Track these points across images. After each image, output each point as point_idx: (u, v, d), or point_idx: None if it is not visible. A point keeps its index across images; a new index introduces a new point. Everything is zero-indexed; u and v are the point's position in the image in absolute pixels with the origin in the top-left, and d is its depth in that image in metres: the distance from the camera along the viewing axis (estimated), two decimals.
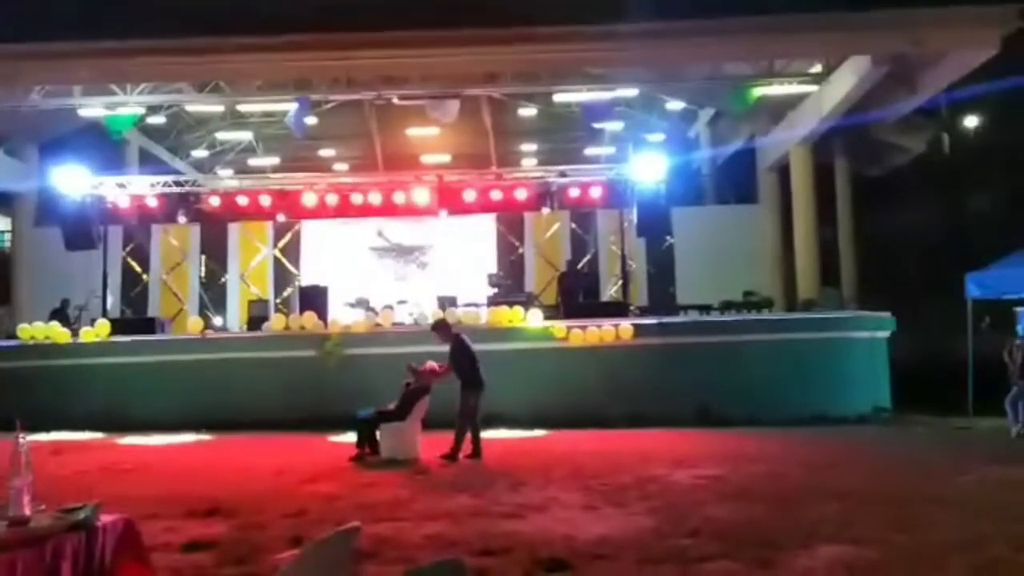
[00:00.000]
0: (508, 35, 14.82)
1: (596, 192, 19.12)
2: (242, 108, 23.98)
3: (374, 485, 8.58)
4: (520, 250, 21.67)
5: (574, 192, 19.25)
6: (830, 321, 14.95)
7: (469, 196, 19.24)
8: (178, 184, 19.86)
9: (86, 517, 3.55)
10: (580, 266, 20.05)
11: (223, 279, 21.93)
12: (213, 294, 21.80)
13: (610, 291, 20.35)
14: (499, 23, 14.27)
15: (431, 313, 15.30)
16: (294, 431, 12.82)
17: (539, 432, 12.62)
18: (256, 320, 16.60)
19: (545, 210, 19.56)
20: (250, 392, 14.01)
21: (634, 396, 13.73)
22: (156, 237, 21.91)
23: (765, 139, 21.64)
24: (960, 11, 14.19)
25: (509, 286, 18.35)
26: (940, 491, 7.81)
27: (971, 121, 23.34)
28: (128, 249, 21.87)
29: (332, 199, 19.36)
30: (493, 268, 20.04)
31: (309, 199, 19.29)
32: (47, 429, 12.68)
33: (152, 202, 19.47)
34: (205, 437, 12.88)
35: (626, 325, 14.59)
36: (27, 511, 3.46)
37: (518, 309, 15.17)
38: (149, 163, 24.83)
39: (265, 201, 19.87)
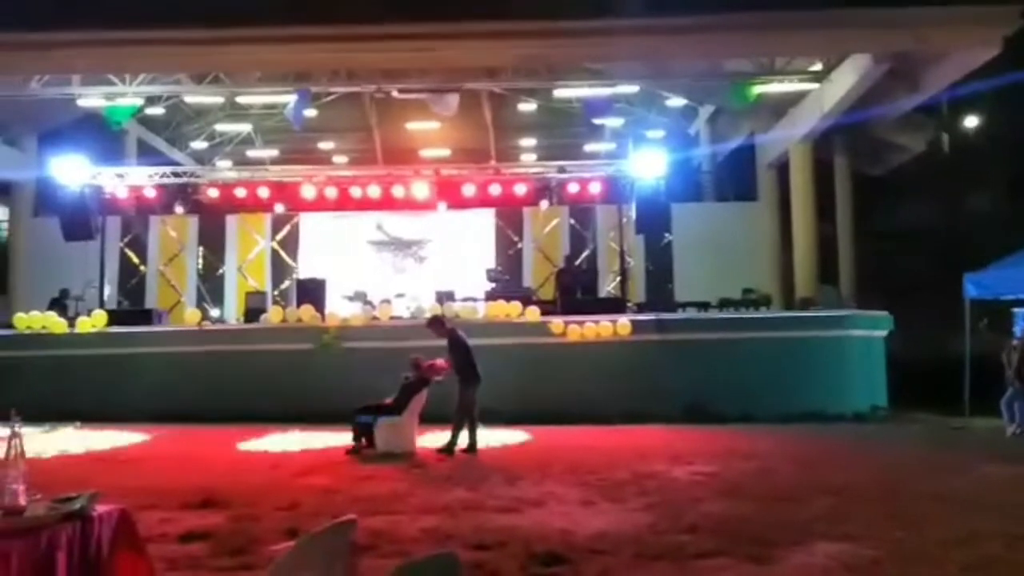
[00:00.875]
0: (508, 29, 14.79)
1: (595, 188, 19.10)
2: (241, 100, 23.91)
3: (370, 478, 8.57)
4: (519, 245, 21.64)
5: (573, 188, 19.24)
6: (828, 319, 14.95)
7: (468, 190, 19.22)
8: (176, 175, 19.82)
9: (82, 507, 3.54)
10: (578, 262, 20.03)
11: (221, 271, 21.89)
12: (210, 286, 21.76)
13: (608, 287, 20.34)
14: (499, 16, 14.24)
15: (429, 307, 15.32)
16: (290, 423, 12.80)
17: (536, 427, 12.62)
18: (253, 312, 16.57)
19: (544, 204, 19.54)
20: (247, 384, 14.01)
21: (631, 392, 13.74)
22: (154, 228, 21.86)
23: (765, 136, 21.61)
24: (962, 10, 14.17)
25: (507, 281, 18.34)
26: (937, 488, 7.82)
27: (971, 121, 23.33)
28: (126, 240, 21.83)
29: (331, 192, 19.33)
30: (491, 263, 20.01)
31: (308, 192, 19.26)
32: (43, 419, 12.66)
33: (150, 193, 19.44)
34: (201, 428, 12.86)
35: (624, 321, 14.59)
36: (22, 501, 3.44)
37: (516, 304, 15.16)
38: (148, 154, 24.76)
39: (263, 193, 19.83)
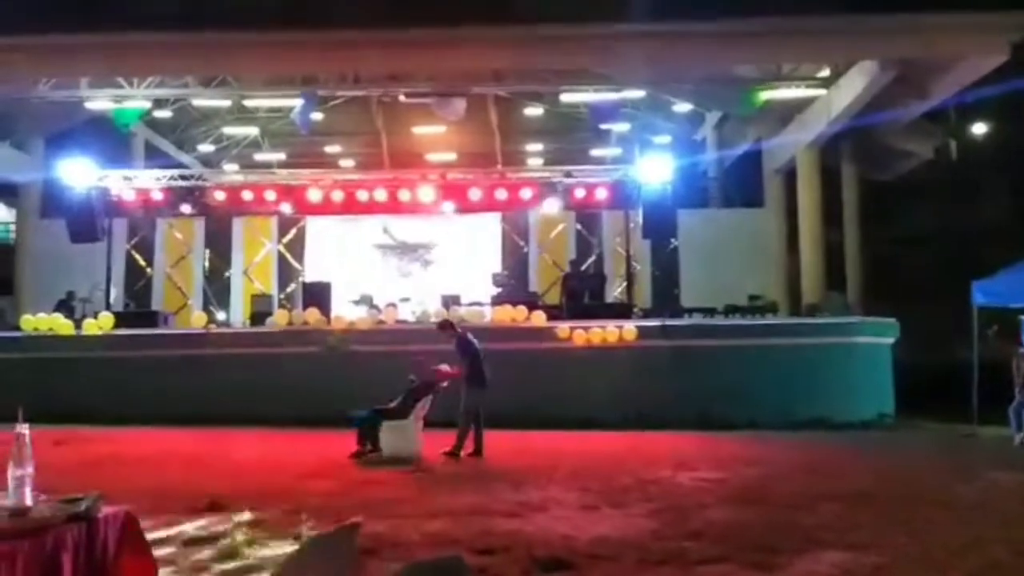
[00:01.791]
0: (515, 34, 14.84)
1: (602, 193, 19.10)
2: (248, 103, 24.02)
3: (374, 482, 8.58)
4: (525, 250, 21.65)
5: (580, 193, 19.24)
6: (834, 326, 14.93)
7: (474, 195, 19.23)
8: (183, 178, 19.89)
9: (87, 508, 3.54)
10: (584, 267, 20.03)
11: (227, 274, 21.94)
12: (217, 288, 21.81)
13: (614, 292, 20.34)
14: (506, 21, 14.28)
15: (434, 311, 15.32)
16: (295, 427, 12.82)
17: (541, 432, 12.60)
18: (259, 315, 16.62)
19: (549, 203, 19.48)
20: (252, 387, 14.01)
21: (636, 398, 13.73)
22: (161, 230, 21.93)
23: (772, 142, 21.62)
24: (969, 17, 14.19)
25: (513, 286, 18.36)
26: (943, 495, 7.79)
27: (979, 127, 23.25)
28: (133, 242, 21.89)
29: (337, 195, 19.37)
30: (497, 267, 20.04)
31: (314, 195, 19.31)
32: (49, 420, 12.67)
33: (157, 195, 19.50)
34: (207, 431, 12.87)
35: (629, 327, 14.58)
36: (28, 501, 3.45)
37: (522, 309, 15.16)
38: (155, 157, 24.85)
39: (270, 196, 19.88)
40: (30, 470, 3.51)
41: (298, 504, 7.21)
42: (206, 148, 28.18)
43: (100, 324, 15.48)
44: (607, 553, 5.78)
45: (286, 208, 20.57)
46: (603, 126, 23.48)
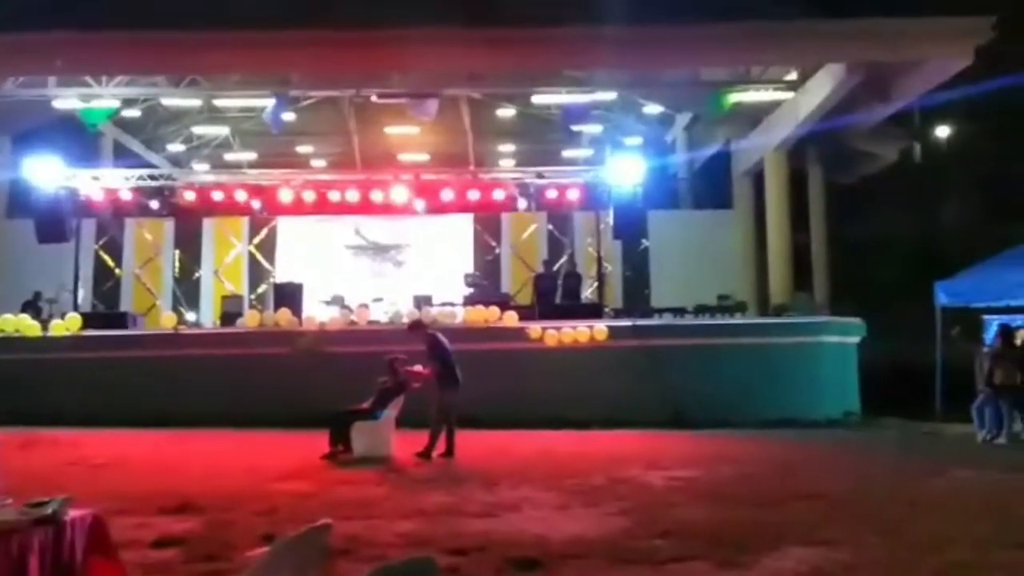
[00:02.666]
0: (491, 36, 14.83)
1: (573, 194, 19.15)
2: (219, 103, 23.75)
3: (346, 483, 8.54)
4: (497, 250, 21.64)
5: (551, 193, 19.27)
6: (802, 326, 15.08)
7: (447, 195, 19.20)
8: (153, 178, 19.66)
9: (54, 512, 3.50)
10: (556, 267, 20.06)
11: (197, 274, 21.70)
12: (186, 289, 21.56)
13: (586, 292, 20.39)
14: (479, 24, 14.28)
15: (406, 312, 15.28)
16: (266, 428, 12.72)
17: (513, 432, 12.60)
18: (229, 316, 16.47)
19: (522, 203, 19.49)
20: (222, 389, 13.88)
21: (608, 397, 13.77)
22: (130, 231, 21.64)
23: (741, 144, 21.77)
24: (935, 22, 14.39)
25: (485, 286, 18.33)
26: (910, 493, 7.90)
27: (943, 130, 23.62)
28: (101, 243, 21.59)
29: (309, 196, 19.25)
30: (470, 268, 20.01)
31: (285, 195, 19.17)
32: (16, 423, 12.47)
33: (126, 195, 19.25)
34: (176, 433, 12.73)
35: (601, 327, 14.63)
36: None
37: (494, 309, 15.16)
38: (124, 156, 24.50)
39: (241, 196, 19.71)
40: None
41: (268, 505, 7.16)
42: (176, 148, 27.85)
43: (67, 325, 15.25)
44: (580, 552, 5.79)
45: (257, 208, 20.40)
46: (575, 128, 23.51)
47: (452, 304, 16.55)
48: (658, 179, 18.48)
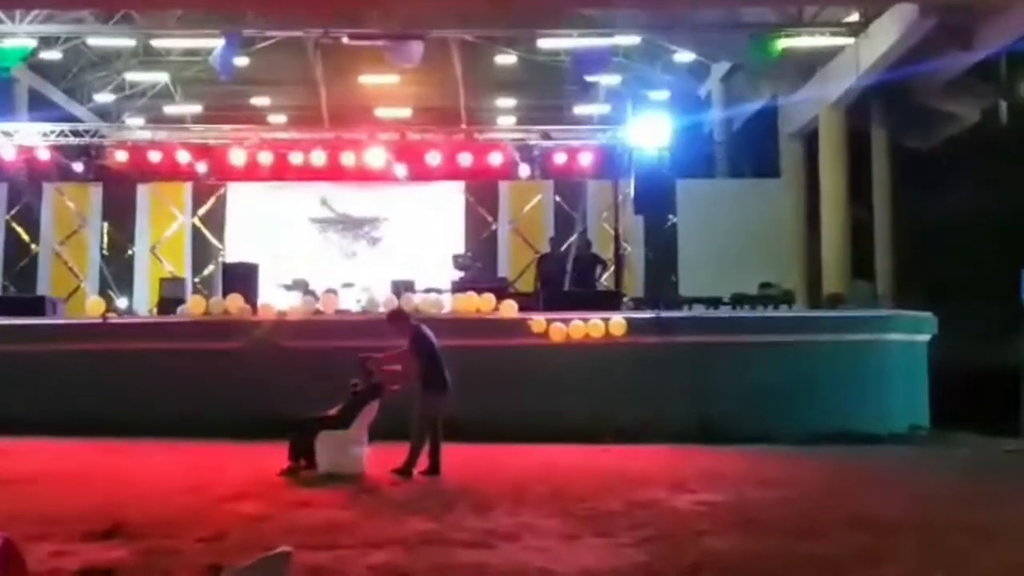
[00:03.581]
0: None
1: (586, 159, 19.17)
2: (157, 43, 23.72)
3: (309, 505, 8.57)
4: (493, 226, 21.67)
5: (560, 158, 19.29)
6: (860, 321, 15.11)
7: (433, 159, 19.22)
8: (76, 134, 19.66)
9: None
10: (565, 247, 20.08)
11: (129, 252, 21.76)
12: (117, 269, 21.60)
13: (600, 278, 20.41)
14: None
15: (383, 299, 15.30)
16: (212, 438, 12.75)
17: (511, 446, 12.65)
18: (169, 303, 16.49)
19: (524, 170, 19.47)
20: (160, 390, 13.92)
21: (625, 404, 13.81)
22: (48, 198, 21.65)
23: (790, 100, 21.75)
24: None
25: (478, 269, 18.36)
26: (983, 521, 7.92)
27: None
28: (13, 212, 21.62)
29: (265, 158, 19.28)
30: (460, 247, 20.04)
31: (237, 157, 19.19)
32: None
33: (44, 155, 19.28)
34: (105, 443, 12.78)
35: (618, 319, 14.65)
36: None
37: (488, 297, 15.18)
38: (41, 107, 24.45)
39: (183, 158, 19.74)
40: None
41: (216, 530, 7.20)
42: (104, 98, 27.80)
43: None
44: None
45: (203, 172, 20.40)
46: (589, 78, 23.51)
47: (438, 291, 16.57)
48: (689, 141, 18.52)
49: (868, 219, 21.01)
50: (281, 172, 19.60)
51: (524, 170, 19.82)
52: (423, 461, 10.41)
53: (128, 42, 23.73)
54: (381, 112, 27.07)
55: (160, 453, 11.83)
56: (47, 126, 19.63)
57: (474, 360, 12.88)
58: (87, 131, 20.34)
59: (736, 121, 24.89)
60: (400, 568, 6.28)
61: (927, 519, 8.13)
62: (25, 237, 21.71)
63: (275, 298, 16.28)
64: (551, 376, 14.12)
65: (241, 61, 21.44)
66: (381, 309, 14.32)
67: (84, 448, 12.23)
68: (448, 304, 15.63)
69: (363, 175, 19.70)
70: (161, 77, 27.38)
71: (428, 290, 16.56)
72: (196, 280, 21.04)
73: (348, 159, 19.07)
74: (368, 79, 25.94)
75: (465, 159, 19.25)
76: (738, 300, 16.37)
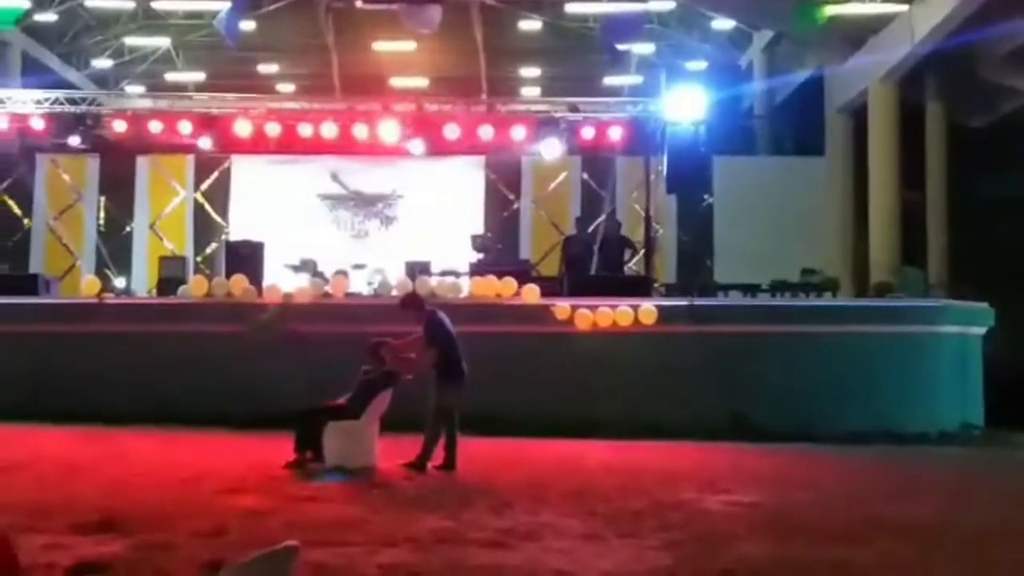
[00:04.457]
0: None
1: (616, 133, 19.05)
2: (157, 6, 23.78)
3: (315, 499, 8.61)
4: (515, 205, 21.64)
5: (588, 132, 19.18)
6: (910, 311, 15.03)
7: (451, 132, 19.14)
8: (72, 102, 19.70)
9: None
10: (592, 228, 20.02)
11: (128, 228, 21.86)
12: (114, 247, 21.69)
13: (630, 262, 20.36)
14: None
15: (397, 282, 15.32)
16: (214, 427, 12.84)
17: (531, 440, 12.67)
18: (169, 283, 16.56)
19: (548, 144, 19.33)
20: (159, 375, 14.02)
21: (655, 398, 13.82)
22: (42, 170, 21.75)
23: (837, 72, 21.59)
24: None
25: (499, 251, 18.35)
26: None
27: None
28: (5, 185, 21.73)
29: (273, 129, 19.26)
30: (479, 227, 20.02)
31: (243, 128, 19.17)
32: None
33: (38, 124, 19.31)
34: (99, 431, 12.89)
35: (647, 307, 14.62)
36: None
37: (510, 281, 15.18)
38: (35, 73, 24.60)
39: (185, 128, 19.72)
40: None
41: (215, 525, 7.24)
42: (102, 63, 27.93)
43: None
44: None
45: (205, 144, 20.43)
46: (620, 47, 23.36)
47: (456, 273, 16.59)
48: (727, 116, 18.37)
49: (920, 201, 20.87)
50: (289, 145, 19.58)
51: (549, 145, 19.64)
52: (438, 455, 10.45)
53: (128, 4, 23.83)
54: (396, 81, 27.07)
55: (157, 442, 11.91)
56: (41, 93, 19.68)
57: (493, 348, 12.93)
58: (83, 99, 20.36)
59: (779, 94, 24.75)
60: (411, 568, 6.30)
61: (975, 526, 8.09)
62: (17, 211, 21.84)
63: (281, 279, 16.33)
64: (576, 366, 14.14)
65: (248, 25, 21.46)
66: (394, 292, 14.34)
67: (77, 435, 12.31)
68: (466, 288, 15.65)
69: (376, 149, 19.65)
70: (162, 42, 27.47)
71: (445, 273, 16.57)
72: (198, 259, 21.11)
73: (360, 131, 19.01)
74: (382, 46, 25.93)
75: (485, 132, 19.16)
76: (778, 287, 16.31)
